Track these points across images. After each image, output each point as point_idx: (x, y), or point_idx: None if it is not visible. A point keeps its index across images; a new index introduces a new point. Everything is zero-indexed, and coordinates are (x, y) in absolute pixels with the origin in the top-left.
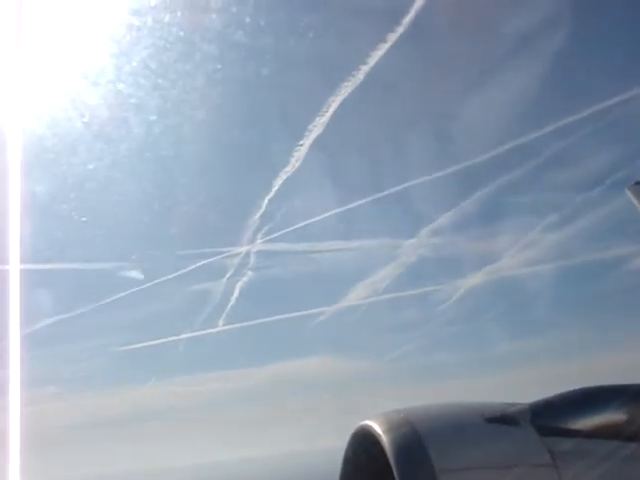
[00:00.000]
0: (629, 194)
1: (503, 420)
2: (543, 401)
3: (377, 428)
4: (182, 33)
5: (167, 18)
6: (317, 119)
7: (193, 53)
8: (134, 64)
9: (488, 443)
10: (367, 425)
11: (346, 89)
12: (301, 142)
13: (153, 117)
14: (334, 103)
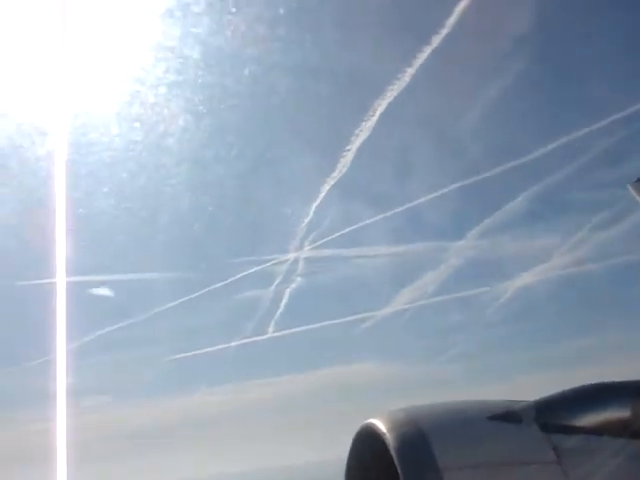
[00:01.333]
0: (632, 191)
1: (507, 418)
2: (547, 399)
3: (382, 426)
4: (226, 40)
5: (216, 27)
6: (363, 124)
7: (238, 61)
8: (185, 73)
9: (492, 441)
10: (372, 423)
11: (392, 92)
12: (348, 147)
13: (202, 124)
14: (380, 107)
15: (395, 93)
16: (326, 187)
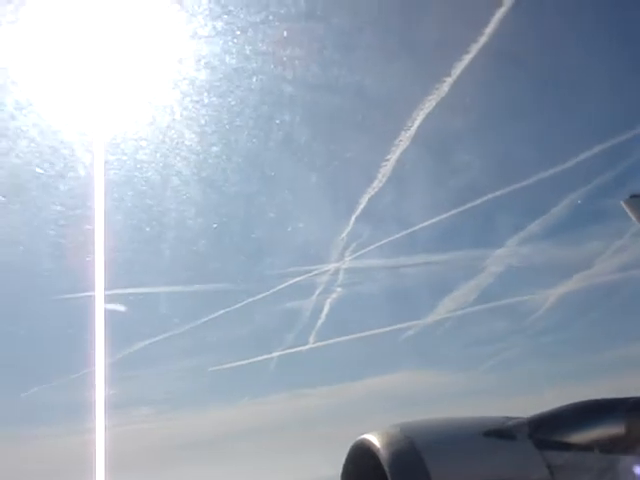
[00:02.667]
0: (625, 207)
1: (501, 434)
2: (541, 415)
3: (375, 442)
4: (271, 45)
5: (266, 31)
6: (402, 133)
7: (284, 68)
8: (235, 74)
9: (486, 457)
10: (365, 439)
11: (430, 102)
12: (388, 157)
13: (243, 137)
14: (419, 117)
15: (433, 103)
16: (365, 197)
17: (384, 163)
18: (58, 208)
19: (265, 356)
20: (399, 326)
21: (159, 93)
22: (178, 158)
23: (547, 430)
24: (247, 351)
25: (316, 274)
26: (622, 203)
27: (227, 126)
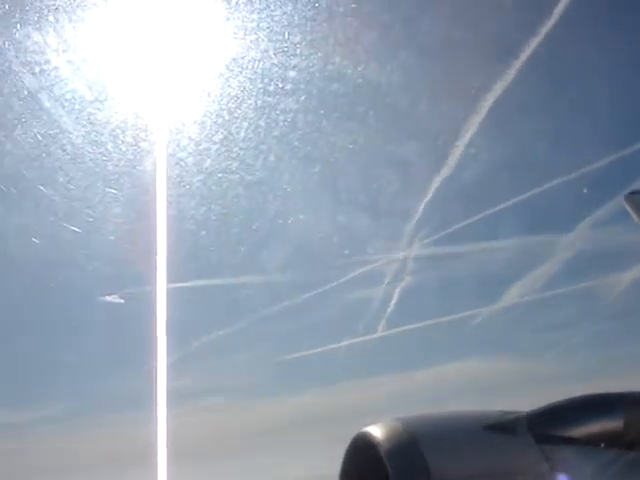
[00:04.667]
0: (625, 204)
1: (501, 428)
2: (541, 409)
3: (376, 436)
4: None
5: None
6: (472, 117)
7: (359, 67)
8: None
9: (485, 451)
10: (365, 433)
11: (501, 84)
12: (457, 143)
13: (311, 125)
14: (488, 100)
15: (505, 84)
16: (435, 184)
17: (454, 149)
18: (120, 200)
19: (334, 345)
20: (467, 313)
21: (228, 85)
22: (246, 149)
23: (547, 424)
24: (316, 341)
25: (385, 263)
26: (623, 199)
27: (300, 115)
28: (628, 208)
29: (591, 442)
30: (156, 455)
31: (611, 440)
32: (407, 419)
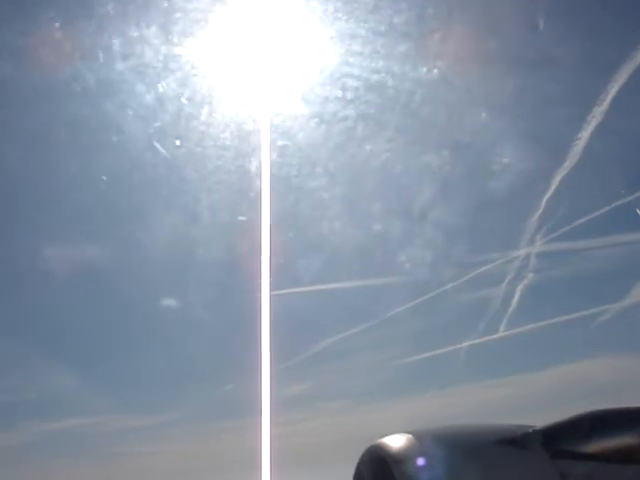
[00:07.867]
0: None
1: (514, 442)
2: (555, 424)
3: (387, 450)
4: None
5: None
6: (595, 109)
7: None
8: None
9: (498, 466)
10: (376, 446)
11: (626, 72)
12: (579, 135)
13: (410, 125)
14: (612, 90)
15: (629, 72)
16: (557, 178)
17: (575, 142)
18: (225, 203)
19: (454, 346)
20: (592, 311)
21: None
22: (348, 152)
23: (562, 439)
24: (437, 342)
25: (506, 261)
26: (638, 211)
27: (403, 117)
28: None
29: (608, 458)
30: (260, 461)
31: (628, 456)
32: (419, 432)
